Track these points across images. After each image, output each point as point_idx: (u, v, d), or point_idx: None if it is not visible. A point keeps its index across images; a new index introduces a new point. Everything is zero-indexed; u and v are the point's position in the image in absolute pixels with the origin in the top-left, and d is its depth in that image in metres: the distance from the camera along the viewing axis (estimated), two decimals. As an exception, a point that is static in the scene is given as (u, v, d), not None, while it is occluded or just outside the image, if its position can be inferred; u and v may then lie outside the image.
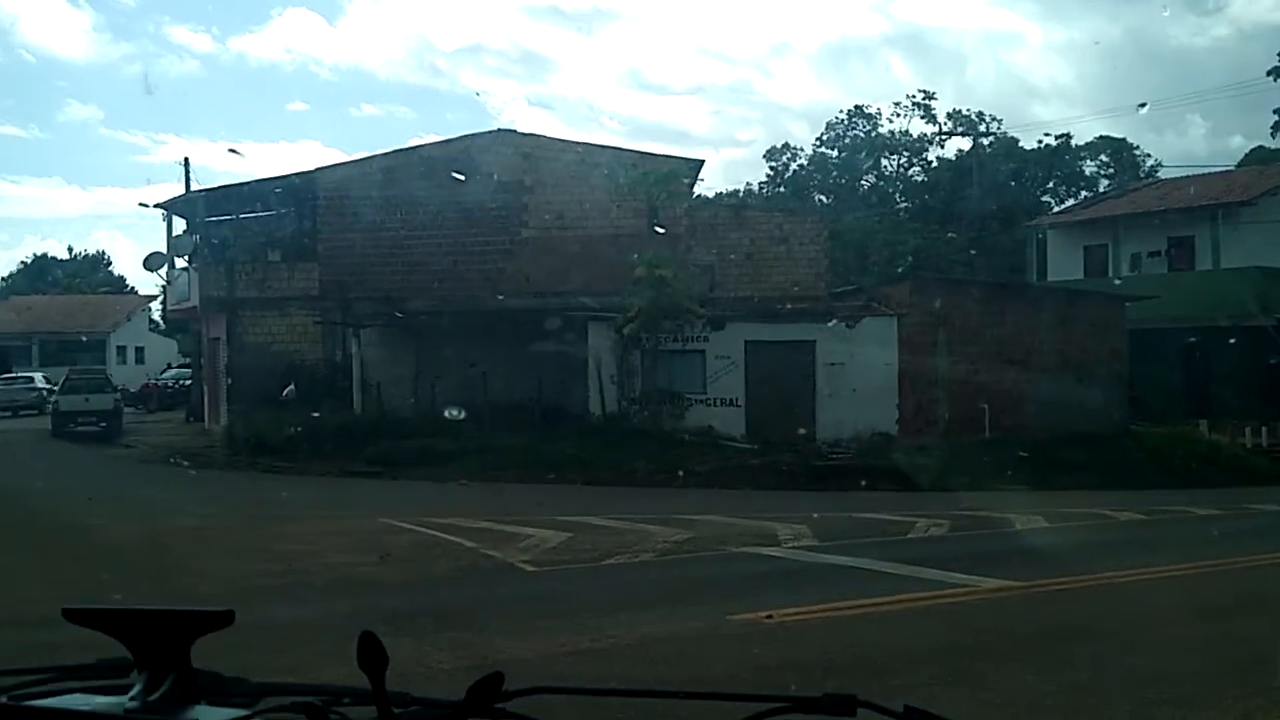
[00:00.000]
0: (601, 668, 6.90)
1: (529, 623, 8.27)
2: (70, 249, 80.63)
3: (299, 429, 23.14)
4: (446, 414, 21.08)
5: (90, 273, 75.54)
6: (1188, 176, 39.88)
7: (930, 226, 45.96)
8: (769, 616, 8.24)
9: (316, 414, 23.75)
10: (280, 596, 9.64)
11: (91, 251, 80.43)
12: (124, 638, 1.39)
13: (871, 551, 11.92)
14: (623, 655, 7.25)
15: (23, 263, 77.09)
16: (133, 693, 1.34)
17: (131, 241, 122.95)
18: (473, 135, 28.83)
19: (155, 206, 33.77)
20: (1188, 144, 69.19)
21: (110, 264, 78.71)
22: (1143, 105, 72.72)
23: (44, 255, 78.13)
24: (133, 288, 69.14)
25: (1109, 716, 6.18)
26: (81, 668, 1.60)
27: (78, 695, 1.43)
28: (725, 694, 1.68)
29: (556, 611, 8.75)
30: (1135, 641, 7.87)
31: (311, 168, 29.20)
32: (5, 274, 74.52)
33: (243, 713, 1.39)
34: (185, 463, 24.01)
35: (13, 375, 41.88)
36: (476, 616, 8.66)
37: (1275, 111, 49.53)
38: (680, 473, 20.89)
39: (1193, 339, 27.99)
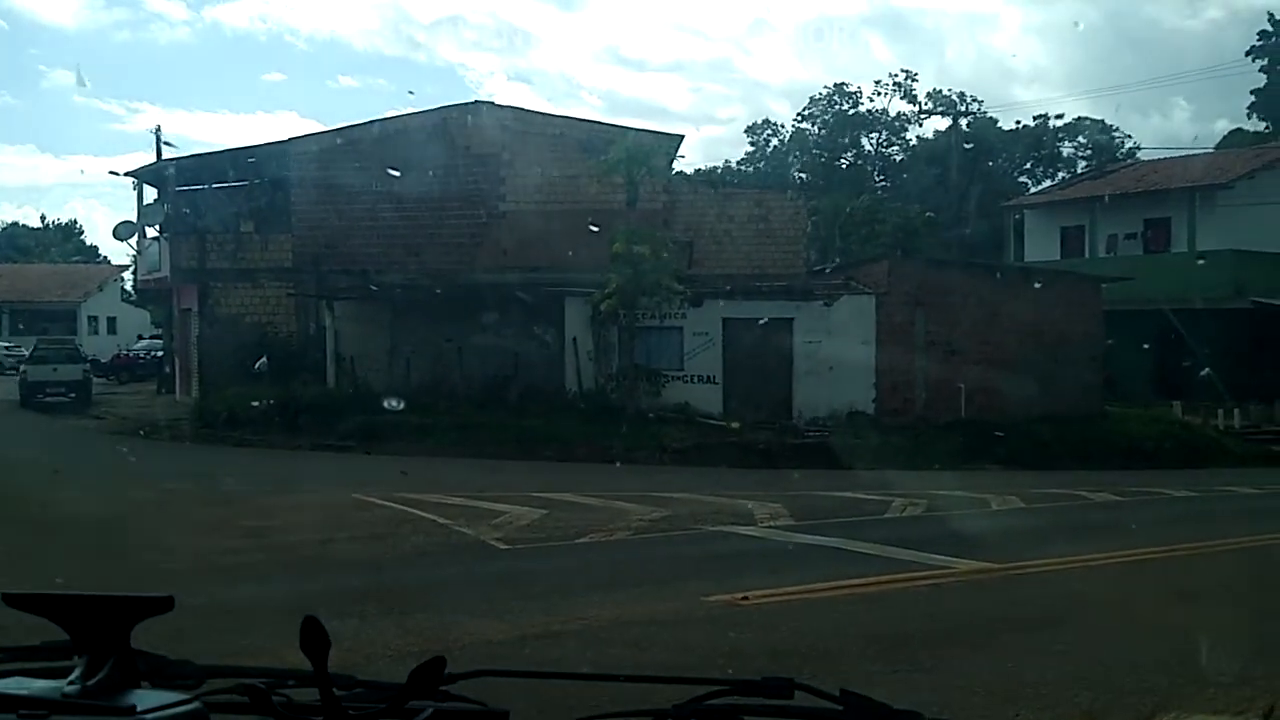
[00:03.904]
0: (573, 651, 6.77)
1: (500, 603, 8.13)
2: (43, 217, 79.62)
3: (271, 402, 22.85)
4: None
5: (62, 242, 74.61)
6: (1166, 159, 39.98)
7: (909, 206, 45.92)
8: (744, 598, 8.14)
9: (289, 387, 23.48)
10: (246, 574, 9.47)
11: (65, 220, 79.41)
12: (64, 623, 1.38)
13: (848, 531, 11.85)
14: (595, 638, 7.13)
15: (-7, 231, 76.00)
16: (72, 676, 1.33)
17: (107, 210, 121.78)
18: (450, 107, 28.47)
19: (125, 175, 33.43)
20: (1172, 126, 69.44)
21: (83, 233, 77.88)
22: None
23: (14, 223, 77.11)
24: (105, 257, 68.40)
25: (1083, 705, 6.10)
26: (23, 649, 1.58)
27: (16, 679, 1.41)
28: (669, 677, 1.77)
29: (528, 591, 8.61)
30: (1111, 627, 7.81)
31: (285, 137, 28.81)
32: (-26, 242, 73.39)
33: (183, 696, 1.37)
34: (155, 435, 23.73)
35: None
36: (446, 596, 8.52)
37: (1252, 93, 49.66)
38: (657, 450, 20.79)
39: (1167, 320, 28.08)
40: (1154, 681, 6.27)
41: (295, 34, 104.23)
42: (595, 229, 23.44)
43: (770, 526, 12.44)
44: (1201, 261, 29.42)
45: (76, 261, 66.50)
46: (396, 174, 25.87)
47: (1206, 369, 24.43)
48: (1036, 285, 26.02)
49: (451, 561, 10.23)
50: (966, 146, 46.50)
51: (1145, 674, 6.43)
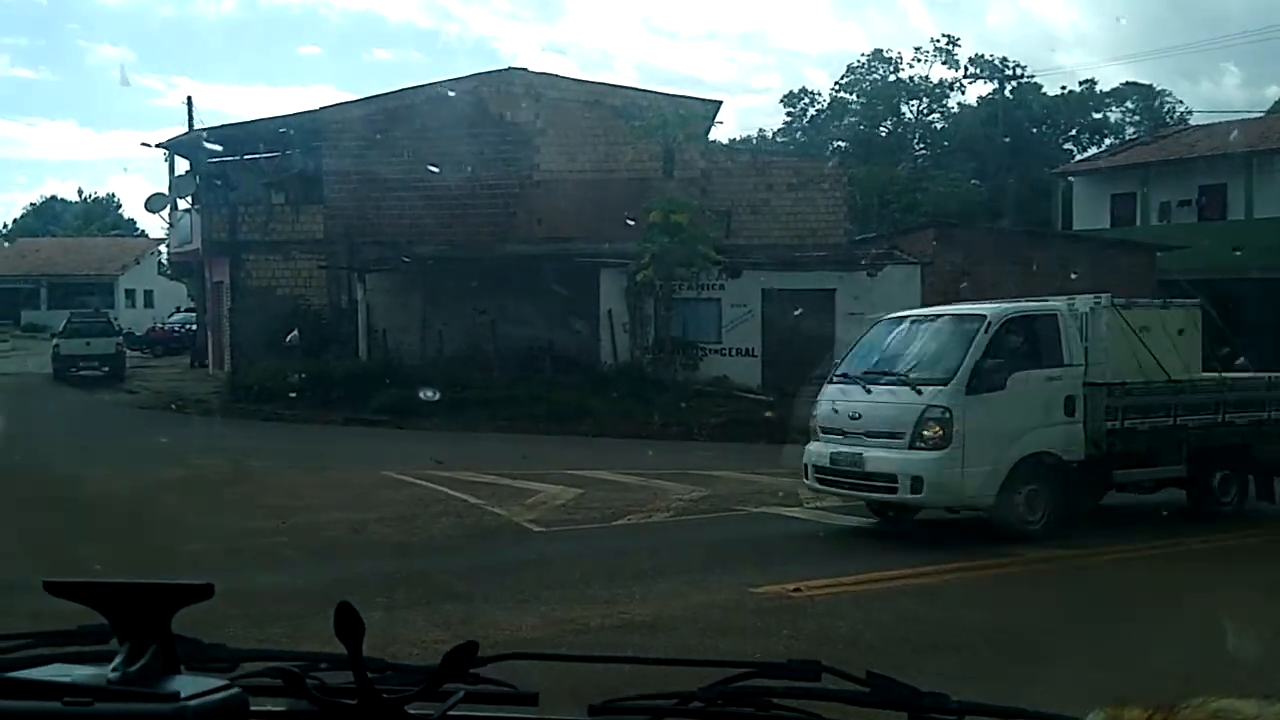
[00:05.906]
0: (610, 648, 6.23)
1: (534, 593, 7.63)
2: (80, 191, 79.84)
3: (303, 376, 22.48)
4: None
5: (100, 215, 74.79)
6: (1219, 124, 38.64)
7: (951, 174, 44.83)
8: (796, 590, 7.57)
9: (321, 361, 23.13)
10: (271, 558, 9.06)
11: (103, 194, 79.60)
12: (105, 610, 1.39)
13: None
14: (636, 633, 6.60)
15: (31, 205, 76.40)
16: (114, 664, 1.35)
17: (146, 184, 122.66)
18: (482, 74, 27.84)
19: (157, 146, 32.87)
20: (1222, 93, 67.43)
21: (120, 206, 77.92)
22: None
23: (52, 197, 77.39)
24: (143, 231, 68.42)
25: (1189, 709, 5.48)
26: (61, 634, 1.61)
27: (58, 665, 1.42)
28: (695, 660, 1.85)
29: (564, 580, 8.09)
30: (1202, 619, 7.17)
31: (316, 107, 28.32)
32: (15, 216, 73.84)
33: (221, 681, 1.39)
34: (186, 410, 23.48)
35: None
36: (477, 585, 8.01)
37: (1309, 57, 47.90)
38: (694, 425, 20.21)
39: (1222, 290, 27.02)
40: (1249, 684, 5.64)
41: (330, 7, 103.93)
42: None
43: (817, 508, 11.84)
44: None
45: (115, 235, 66.57)
46: (429, 144, 25.34)
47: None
48: (1087, 254, 25.08)
49: (483, 545, 9.74)
50: (1010, 113, 45.35)
51: (1250, 675, 5.81)
